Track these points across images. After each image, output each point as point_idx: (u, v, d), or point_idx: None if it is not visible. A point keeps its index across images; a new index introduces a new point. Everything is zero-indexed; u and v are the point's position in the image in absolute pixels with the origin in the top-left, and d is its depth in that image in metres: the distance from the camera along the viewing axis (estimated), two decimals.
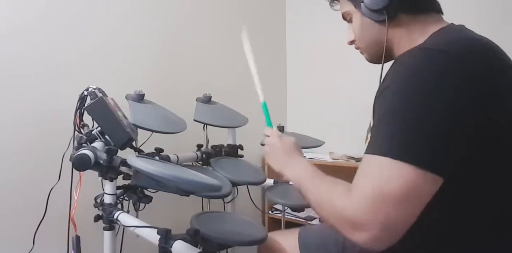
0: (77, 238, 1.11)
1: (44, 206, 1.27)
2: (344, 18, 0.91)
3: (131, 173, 1.09)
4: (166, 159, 1.28)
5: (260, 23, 2.38)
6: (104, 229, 1.11)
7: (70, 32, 1.48)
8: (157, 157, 1.25)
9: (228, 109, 1.65)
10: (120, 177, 1.14)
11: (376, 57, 0.86)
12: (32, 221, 1.27)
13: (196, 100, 1.56)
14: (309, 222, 2.03)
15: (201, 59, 1.98)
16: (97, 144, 1.08)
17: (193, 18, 1.95)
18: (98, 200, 1.17)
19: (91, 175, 1.10)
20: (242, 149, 1.60)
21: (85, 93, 1.17)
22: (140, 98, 1.29)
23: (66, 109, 1.25)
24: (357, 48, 0.91)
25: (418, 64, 0.67)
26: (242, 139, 1.66)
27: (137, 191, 1.16)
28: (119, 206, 1.16)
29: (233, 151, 1.58)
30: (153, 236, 0.99)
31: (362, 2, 0.80)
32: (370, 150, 0.66)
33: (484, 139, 0.65)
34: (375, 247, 0.63)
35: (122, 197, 1.17)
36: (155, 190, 1.16)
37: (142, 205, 1.19)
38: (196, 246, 0.98)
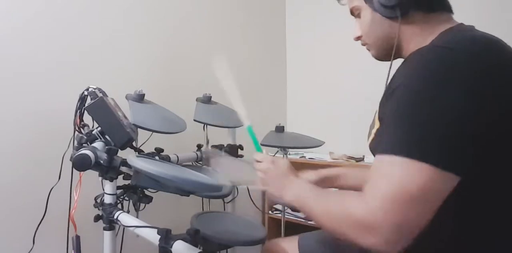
0: (77, 238, 1.11)
1: (44, 206, 1.27)
2: (352, 13, 0.89)
3: (131, 173, 1.10)
4: (166, 159, 1.28)
5: (260, 23, 2.38)
6: (104, 229, 1.11)
7: (70, 32, 1.48)
8: (157, 157, 1.25)
9: (228, 109, 1.65)
10: (120, 177, 1.14)
11: (383, 54, 0.85)
12: (32, 221, 1.27)
13: (196, 100, 1.56)
14: (309, 222, 2.03)
15: (201, 59, 1.97)
16: (97, 144, 1.08)
17: (193, 18, 1.95)
18: (98, 200, 1.17)
19: (91, 175, 1.10)
20: (242, 149, 1.60)
21: (85, 93, 1.17)
22: (140, 98, 1.29)
23: (66, 109, 1.25)
24: (363, 44, 0.89)
25: (429, 63, 0.67)
26: (242, 139, 1.66)
27: (137, 191, 1.16)
28: (119, 206, 1.16)
29: (233, 151, 1.58)
30: (153, 236, 0.99)
31: None
32: (384, 150, 0.65)
33: (496, 138, 0.65)
34: (386, 251, 0.61)
35: (122, 197, 1.18)
36: (155, 190, 1.16)
37: (142, 205, 1.19)
38: (196, 246, 0.98)
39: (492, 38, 0.73)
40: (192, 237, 1.00)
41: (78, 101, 1.18)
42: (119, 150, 1.10)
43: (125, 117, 1.19)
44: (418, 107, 0.64)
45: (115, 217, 1.08)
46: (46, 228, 1.28)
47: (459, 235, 0.71)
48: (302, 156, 2.21)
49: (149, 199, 1.14)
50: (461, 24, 0.79)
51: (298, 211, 1.50)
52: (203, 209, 1.55)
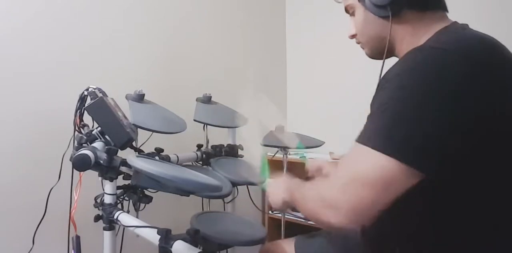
0: (77, 238, 1.11)
1: (44, 206, 1.27)
2: (346, 11, 0.89)
3: (131, 173, 1.10)
4: (166, 159, 1.28)
5: (260, 23, 2.38)
6: (104, 229, 1.11)
7: (70, 32, 1.48)
8: (157, 157, 1.25)
9: (228, 109, 1.65)
10: (120, 177, 1.14)
11: (376, 53, 0.85)
12: (32, 221, 1.27)
13: (196, 100, 1.56)
14: (309, 222, 2.03)
15: (201, 59, 1.98)
16: (97, 144, 1.08)
17: (193, 18, 1.95)
18: (98, 200, 1.17)
19: (91, 175, 1.10)
20: (242, 149, 1.60)
21: (85, 93, 1.17)
22: (140, 98, 1.29)
23: (66, 109, 1.25)
24: (358, 43, 0.90)
25: (420, 62, 0.67)
26: (242, 139, 1.66)
27: (137, 191, 1.16)
28: (119, 206, 1.16)
29: (233, 151, 1.58)
30: (153, 236, 0.99)
31: None
32: (358, 138, 0.69)
33: (484, 138, 0.65)
34: (343, 226, 0.66)
35: (122, 197, 1.17)
36: (155, 190, 1.16)
37: (142, 205, 1.19)
38: (196, 246, 0.98)
39: (487, 39, 0.72)
40: (192, 237, 1.00)
41: (78, 101, 1.18)
42: (119, 150, 1.09)
43: (125, 117, 1.19)
44: (397, 104, 0.65)
45: (115, 217, 1.08)
46: (46, 228, 1.28)
47: (445, 234, 0.71)
48: (302, 156, 2.20)
49: (149, 199, 1.14)
50: (455, 22, 0.78)
51: (298, 211, 1.50)
52: (203, 209, 1.55)
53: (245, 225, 1.28)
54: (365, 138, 0.67)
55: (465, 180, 0.67)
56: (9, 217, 1.31)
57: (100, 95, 1.15)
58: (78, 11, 1.50)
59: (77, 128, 1.17)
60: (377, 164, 0.63)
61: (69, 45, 1.47)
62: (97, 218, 1.13)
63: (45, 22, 1.41)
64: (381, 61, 0.81)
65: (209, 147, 1.54)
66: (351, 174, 0.66)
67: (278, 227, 1.81)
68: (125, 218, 1.08)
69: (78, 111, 1.18)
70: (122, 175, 1.15)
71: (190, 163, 1.45)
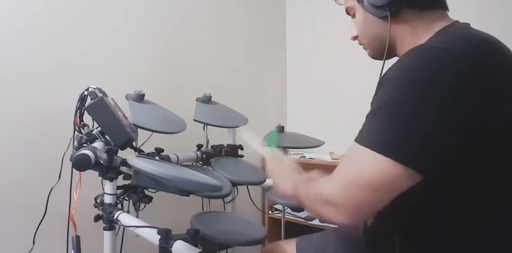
0: (77, 238, 1.11)
1: (44, 206, 1.27)
2: (347, 13, 0.89)
3: (131, 173, 1.10)
4: (166, 159, 1.28)
5: (260, 23, 2.38)
6: (104, 229, 1.11)
7: (70, 32, 1.48)
8: (157, 157, 1.25)
9: (228, 109, 1.65)
10: (120, 177, 1.14)
11: (378, 54, 0.85)
12: (32, 221, 1.27)
13: (196, 100, 1.56)
14: (309, 222, 2.03)
15: (201, 59, 1.98)
16: (97, 144, 1.08)
17: (193, 18, 1.95)
18: (98, 200, 1.17)
19: (91, 175, 1.10)
20: (242, 149, 1.60)
21: (85, 93, 1.17)
22: (140, 98, 1.29)
23: (66, 109, 1.25)
24: (360, 44, 0.90)
25: (420, 62, 0.67)
26: (242, 139, 1.66)
27: (137, 191, 1.16)
28: (119, 206, 1.16)
29: (233, 151, 1.58)
30: (153, 236, 0.99)
31: None
32: (357, 138, 0.69)
33: (483, 138, 0.65)
34: (343, 223, 0.68)
35: (122, 197, 1.17)
36: (155, 190, 1.16)
37: (142, 205, 1.19)
38: (196, 246, 0.98)
39: (488, 38, 0.72)
40: (192, 237, 1.00)
41: (78, 101, 1.18)
42: (119, 150, 1.09)
43: (125, 117, 1.19)
44: (396, 105, 0.65)
45: (115, 217, 1.08)
46: (46, 228, 1.28)
47: (439, 234, 0.71)
48: (302, 156, 2.21)
49: (149, 199, 1.14)
50: (457, 21, 0.78)
51: (298, 211, 1.50)
52: (203, 209, 1.55)
53: (245, 225, 1.28)
54: (363, 139, 0.67)
55: (464, 180, 0.67)
56: (9, 217, 1.31)
57: (100, 95, 1.15)
58: (78, 11, 1.50)
59: (77, 128, 1.17)
60: (375, 166, 0.63)
61: (69, 45, 1.47)
62: (97, 218, 1.13)
63: (45, 22, 1.41)
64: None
65: (209, 147, 1.54)
66: (350, 176, 0.67)
67: (278, 227, 1.81)
68: (125, 218, 1.08)
69: (78, 111, 1.18)
70: (122, 175, 1.15)
71: (190, 163, 1.45)
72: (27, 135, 1.36)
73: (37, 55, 1.39)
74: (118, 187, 1.15)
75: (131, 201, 1.18)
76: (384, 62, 0.79)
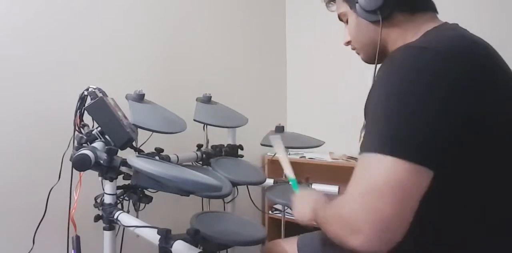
0: (77, 238, 1.11)
1: (44, 206, 1.27)
2: (340, 19, 0.91)
3: (131, 173, 1.10)
4: (166, 159, 1.28)
5: (260, 23, 2.38)
6: (104, 229, 1.11)
7: (70, 32, 1.48)
8: (157, 157, 1.25)
9: (228, 109, 1.65)
10: (120, 177, 1.14)
11: (372, 58, 0.85)
12: (32, 221, 1.27)
13: (196, 100, 1.56)
14: None
15: (201, 59, 1.98)
16: (97, 144, 1.08)
17: (193, 18, 1.95)
18: (98, 200, 1.17)
19: (91, 175, 1.10)
20: (242, 149, 1.60)
21: (85, 93, 1.17)
22: (140, 98, 1.29)
23: (66, 109, 1.25)
24: (353, 49, 0.91)
25: (400, 62, 0.67)
26: (242, 139, 1.66)
27: (137, 191, 1.16)
28: (119, 206, 1.16)
29: (233, 151, 1.58)
30: (153, 236, 0.99)
31: (357, 2, 0.80)
32: (362, 149, 0.66)
33: (476, 137, 0.65)
34: (373, 251, 0.59)
35: (122, 197, 1.18)
36: (155, 190, 1.16)
37: (142, 205, 1.19)
38: (196, 246, 0.98)
39: (472, 37, 0.73)
40: (192, 237, 1.00)
41: (78, 101, 1.18)
42: (119, 150, 1.10)
43: (125, 117, 1.19)
44: (388, 106, 0.65)
45: (115, 217, 1.08)
46: (46, 228, 1.28)
47: (438, 234, 0.71)
48: (302, 156, 2.21)
49: (149, 199, 1.14)
50: (445, 23, 0.79)
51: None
52: (203, 209, 1.55)
53: (245, 225, 1.28)
54: (366, 147, 0.65)
55: (464, 180, 0.67)
56: (9, 217, 1.31)
57: (100, 95, 1.15)
58: (78, 11, 1.50)
59: (77, 128, 1.17)
60: (387, 169, 0.60)
61: (69, 45, 1.47)
62: (97, 218, 1.13)
63: (45, 22, 1.41)
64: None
65: (209, 147, 1.54)
66: (364, 187, 0.61)
67: (278, 227, 1.81)
68: (125, 218, 1.08)
69: (78, 111, 1.18)
70: (122, 175, 1.15)
71: (190, 163, 1.45)
72: (27, 135, 1.36)
73: (37, 55, 1.39)
74: (118, 187, 1.15)
75: (131, 201, 1.18)
76: (376, 66, 0.80)
